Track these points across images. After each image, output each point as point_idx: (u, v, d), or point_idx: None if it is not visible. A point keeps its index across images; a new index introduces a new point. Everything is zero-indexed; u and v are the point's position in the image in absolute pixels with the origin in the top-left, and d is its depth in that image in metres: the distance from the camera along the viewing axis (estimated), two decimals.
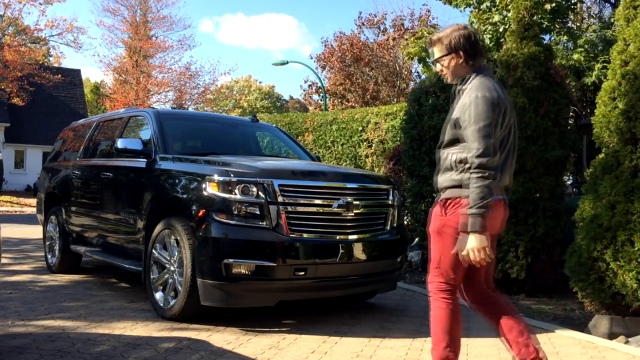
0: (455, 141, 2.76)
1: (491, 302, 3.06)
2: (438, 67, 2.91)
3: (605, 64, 7.80)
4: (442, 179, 2.80)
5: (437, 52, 2.86)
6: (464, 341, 4.08)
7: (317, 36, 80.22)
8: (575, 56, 8.91)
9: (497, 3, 10.11)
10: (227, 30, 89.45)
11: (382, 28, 24.91)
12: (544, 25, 9.30)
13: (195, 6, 77.55)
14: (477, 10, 10.83)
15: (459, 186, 2.72)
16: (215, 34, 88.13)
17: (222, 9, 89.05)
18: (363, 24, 24.85)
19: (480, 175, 2.59)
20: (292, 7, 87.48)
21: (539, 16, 9.39)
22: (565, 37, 9.87)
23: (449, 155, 2.78)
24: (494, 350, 3.87)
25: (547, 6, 9.16)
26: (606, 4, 11.79)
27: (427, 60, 11.89)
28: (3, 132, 29.09)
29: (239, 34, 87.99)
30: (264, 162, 4.87)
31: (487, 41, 10.26)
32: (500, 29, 9.87)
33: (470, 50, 2.78)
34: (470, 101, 2.67)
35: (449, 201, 2.75)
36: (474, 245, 2.60)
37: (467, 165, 2.67)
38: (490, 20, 10.26)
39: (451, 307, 2.85)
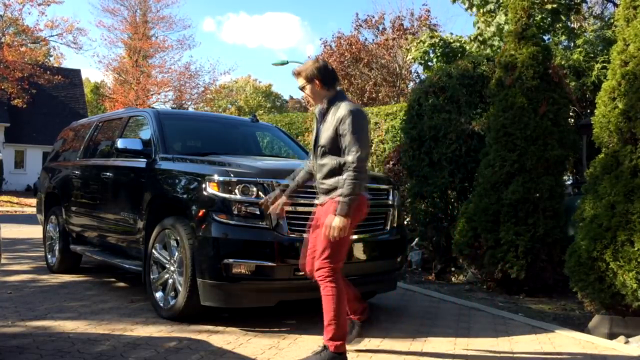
0: (334, 151, 3.35)
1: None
2: (304, 94, 3.59)
3: (604, 64, 7.80)
4: (330, 182, 3.36)
5: (300, 82, 3.51)
6: (464, 341, 4.09)
7: (320, 35, 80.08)
8: (575, 56, 8.91)
9: (502, 3, 10.11)
10: (229, 30, 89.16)
11: (380, 28, 24.90)
12: (545, 26, 9.31)
13: (197, 5, 77.40)
14: (481, 11, 10.83)
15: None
16: (217, 33, 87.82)
17: (225, 7, 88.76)
18: (360, 25, 24.83)
19: (356, 173, 3.22)
20: (296, 6, 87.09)
21: (540, 16, 9.40)
22: (564, 37, 9.88)
23: (330, 162, 3.36)
24: (494, 350, 3.87)
25: (549, 6, 9.17)
26: (609, 3, 11.79)
27: (430, 63, 11.90)
28: (3, 132, 29.09)
29: (241, 33, 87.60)
30: (264, 162, 4.87)
31: (496, 43, 10.27)
32: (505, 29, 9.88)
33: (325, 78, 3.44)
34: (345, 116, 3.29)
35: (334, 199, 3.31)
36: (337, 224, 3.21)
37: (346, 167, 3.26)
38: (495, 21, 10.26)
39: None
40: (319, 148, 3.43)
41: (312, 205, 4.22)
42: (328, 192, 3.38)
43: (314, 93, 3.48)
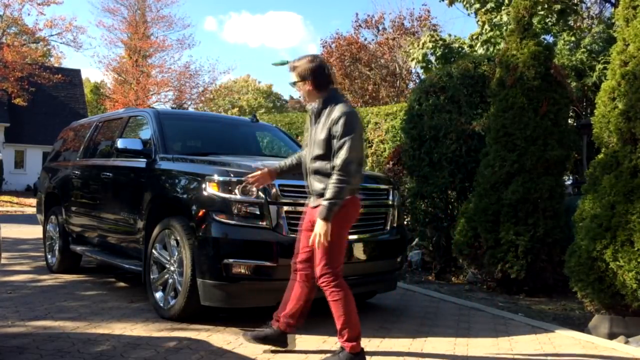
0: (327, 152, 3.30)
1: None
2: (297, 90, 3.51)
3: (606, 64, 7.80)
4: (322, 185, 3.31)
5: (293, 77, 3.45)
6: (464, 341, 4.09)
7: (323, 34, 79.53)
8: (578, 56, 8.91)
9: (506, 3, 10.12)
10: (231, 29, 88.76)
11: (380, 28, 24.91)
12: (549, 25, 9.32)
13: (199, 4, 77.21)
14: (482, 10, 10.84)
15: None
16: (218, 33, 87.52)
17: (227, 6, 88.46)
18: (360, 25, 24.84)
19: (341, 177, 3.19)
20: (299, 4, 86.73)
21: (546, 16, 9.40)
22: (570, 37, 9.88)
23: (322, 164, 3.33)
24: (494, 350, 3.87)
25: (556, 7, 9.17)
26: (606, 4, 11.79)
27: (429, 65, 11.91)
28: (3, 132, 29.09)
29: (243, 32, 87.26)
30: (264, 162, 4.86)
31: (499, 40, 10.26)
32: (507, 29, 9.88)
33: (317, 81, 3.37)
34: (339, 118, 3.23)
35: None
36: (318, 230, 3.20)
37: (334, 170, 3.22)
38: (497, 21, 10.27)
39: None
40: (312, 149, 3.40)
41: None
42: (320, 195, 3.35)
43: (305, 92, 3.44)
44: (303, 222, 3.60)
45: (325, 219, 3.20)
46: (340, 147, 3.22)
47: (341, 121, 3.24)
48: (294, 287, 3.62)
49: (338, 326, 3.36)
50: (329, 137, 3.29)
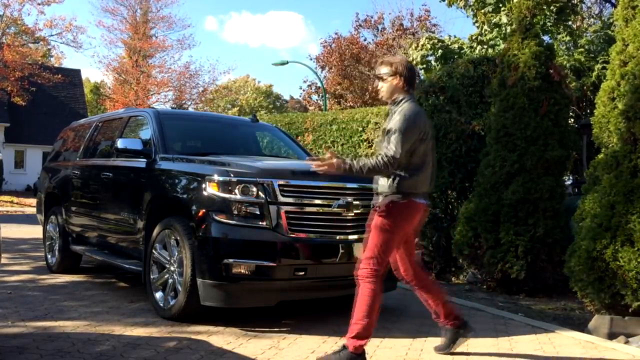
0: None
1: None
2: (378, 83, 3.55)
3: (605, 64, 7.80)
4: (384, 183, 3.39)
5: (383, 69, 3.48)
6: (464, 340, 4.08)
7: (324, 34, 79.41)
8: (576, 56, 8.92)
9: (505, 4, 10.12)
10: (231, 29, 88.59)
11: (380, 28, 24.93)
12: (548, 26, 9.32)
13: (199, 4, 77.11)
14: (482, 12, 10.84)
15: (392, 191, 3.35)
16: (219, 33, 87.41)
17: (228, 6, 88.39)
18: (360, 25, 24.86)
19: (384, 162, 3.25)
20: (299, 4, 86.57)
21: (544, 17, 9.41)
22: (568, 37, 9.89)
23: None
24: (494, 350, 3.87)
25: (554, 7, 9.18)
26: (606, 4, 11.80)
27: (429, 66, 11.91)
28: (3, 132, 29.09)
29: (244, 32, 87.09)
30: (264, 162, 4.87)
31: (501, 45, 10.27)
32: (508, 30, 9.89)
33: (408, 78, 3.44)
34: (398, 117, 3.31)
35: (388, 203, 3.34)
36: (327, 160, 3.32)
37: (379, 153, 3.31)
38: (496, 21, 10.27)
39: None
40: (381, 145, 3.43)
41: (312, 205, 4.24)
42: (380, 193, 3.41)
43: (390, 87, 3.46)
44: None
45: (338, 167, 3.30)
46: (391, 141, 3.27)
47: (399, 115, 3.31)
48: (423, 297, 3.72)
49: (353, 319, 3.35)
50: (387, 133, 3.35)
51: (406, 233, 3.48)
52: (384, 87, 3.50)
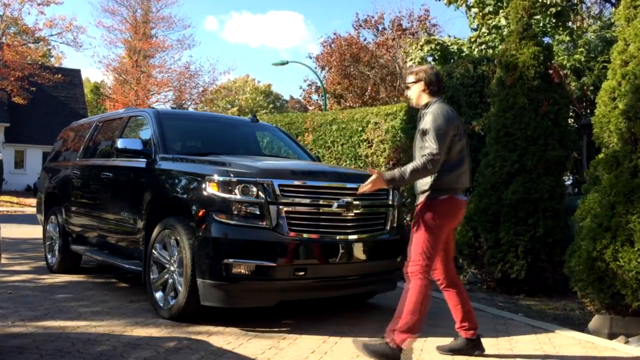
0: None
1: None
2: (408, 92, 3.77)
3: (605, 64, 7.81)
4: (422, 182, 3.53)
5: (409, 78, 3.72)
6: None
7: (324, 34, 79.32)
8: (576, 56, 8.92)
9: (504, 6, 10.12)
10: (231, 29, 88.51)
11: (380, 28, 24.93)
12: (547, 29, 9.33)
13: (200, 3, 77.03)
14: (480, 12, 10.84)
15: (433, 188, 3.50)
16: (219, 32, 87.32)
17: (228, 6, 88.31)
18: (360, 25, 24.87)
19: (426, 161, 3.36)
20: (300, 4, 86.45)
21: (543, 20, 9.41)
22: (568, 38, 9.89)
23: None
24: (494, 350, 3.87)
25: (552, 10, 9.19)
26: (607, 4, 11.80)
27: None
28: (3, 132, 29.09)
29: (244, 32, 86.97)
30: (264, 162, 4.87)
31: (497, 43, 10.28)
32: (505, 32, 9.89)
33: (430, 83, 3.62)
34: (429, 117, 3.47)
35: (430, 200, 3.49)
36: (372, 178, 3.47)
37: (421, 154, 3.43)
38: (495, 23, 10.27)
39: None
40: (415, 149, 3.59)
41: (312, 205, 4.23)
42: (422, 193, 3.54)
43: (416, 92, 3.66)
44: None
45: (387, 180, 3.45)
46: (430, 140, 3.39)
47: (429, 116, 3.47)
48: (447, 297, 3.78)
49: (400, 312, 3.41)
50: (423, 133, 3.49)
51: (450, 229, 3.60)
52: (411, 94, 3.71)
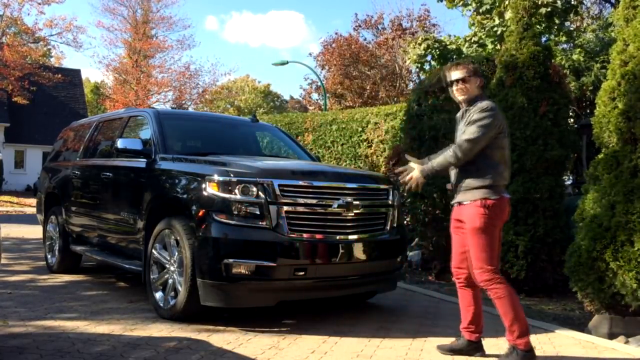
0: None
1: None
2: (456, 86, 3.60)
3: (604, 64, 7.81)
4: (466, 182, 3.50)
5: (463, 73, 3.59)
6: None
7: (325, 34, 78.92)
8: (575, 56, 8.92)
9: (497, 5, 10.11)
10: (232, 28, 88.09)
11: (380, 28, 24.94)
12: (540, 29, 9.32)
13: (200, 3, 76.87)
14: (476, 12, 10.84)
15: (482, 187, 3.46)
16: (219, 32, 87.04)
17: (228, 6, 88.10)
18: (360, 25, 24.88)
19: (458, 152, 3.40)
20: (300, 3, 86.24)
21: (535, 20, 9.42)
22: (564, 38, 9.88)
23: (466, 165, 3.48)
24: (494, 350, 3.87)
25: (542, 10, 9.18)
26: (606, 4, 11.80)
27: (426, 66, 11.91)
28: (3, 132, 29.09)
29: (244, 32, 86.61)
30: (264, 162, 4.87)
31: (490, 45, 10.27)
32: (498, 32, 9.89)
33: (483, 79, 3.66)
34: (478, 112, 3.47)
35: (483, 203, 3.44)
36: (415, 174, 3.56)
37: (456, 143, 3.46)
38: (490, 24, 10.27)
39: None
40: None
41: (312, 205, 4.24)
42: (465, 191, 3.50)
43: (469, 88, 3.59)
44: (451, 225, 3.69)
45: (425, 173, 3.53)
46: (469, 130, 3.42)
47: (478, 112, 3.46)
48: (461, 296, 3.75)
49: (506, 323, 3.44)
50: (468, 126, 3.47)
51: (501, 227, 3.57)
52: (465, 88, 3.59)
